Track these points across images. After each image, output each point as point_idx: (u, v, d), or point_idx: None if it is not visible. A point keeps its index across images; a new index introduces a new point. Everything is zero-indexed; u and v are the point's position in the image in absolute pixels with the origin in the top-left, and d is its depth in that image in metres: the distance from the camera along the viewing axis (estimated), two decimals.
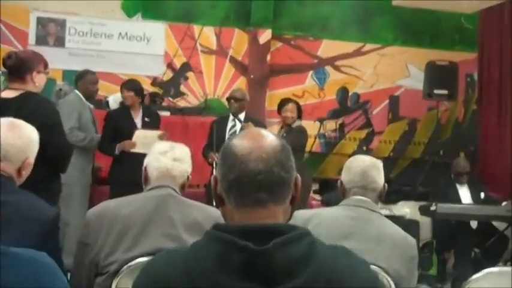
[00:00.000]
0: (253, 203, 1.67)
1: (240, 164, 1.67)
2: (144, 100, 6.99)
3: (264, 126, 6.75)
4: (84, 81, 6.80)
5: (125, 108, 6.88)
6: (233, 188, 1.69)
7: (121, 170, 6.50)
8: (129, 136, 6.60)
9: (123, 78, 8.03)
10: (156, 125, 6.89)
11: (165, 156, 3.09)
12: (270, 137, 1.73)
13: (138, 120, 6.82)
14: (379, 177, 3.22)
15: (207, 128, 7.24)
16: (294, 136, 6.86)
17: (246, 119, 6.87)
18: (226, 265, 1.55)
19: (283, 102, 7.34)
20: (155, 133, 6.52)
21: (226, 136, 6.71)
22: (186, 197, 3.07)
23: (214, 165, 6.40)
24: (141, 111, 6.85)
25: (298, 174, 1.74)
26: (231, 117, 7.00)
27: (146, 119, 6.85)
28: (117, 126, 6.70)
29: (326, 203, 7.74)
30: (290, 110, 7.17)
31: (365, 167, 3.20)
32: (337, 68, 10.46)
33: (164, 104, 9.29)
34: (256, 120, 6.96)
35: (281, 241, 1.57)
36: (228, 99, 7.12)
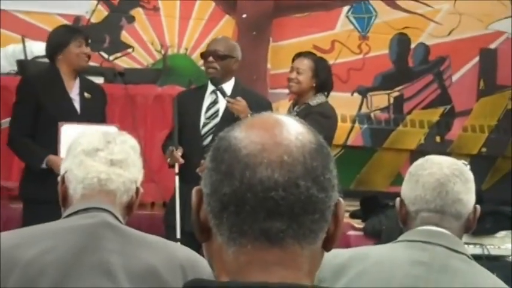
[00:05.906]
0: (260, 236, 1.36)
1: (243, 170, 1.37)
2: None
3: (268, 107, 6.30)
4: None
5: (53, 73, 6.30)
6: (229, 209, 1.38)
7: (39, 179, 5.99)
8: (64, 119, 6.09)
9: (21, 19, 8.33)
10: (101, 106, 6.43)
11: (96, 158, 2.68)
12: (297, 128, 1.43)
13: (74, 96, 6.28)
14: (466, 194, 2.88)
15: (168, 106, 7.07)
16: (311, 124, 5.68)
17: (236, 92, 6.28)
18: None
19: (294, 58, 6.69)
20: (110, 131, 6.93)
21: (201, 121, 6.24)
22: (134, 226, 2.65)
23: (176, 170, 5.98)
24: (77, 81, 6.30)
25: (340, 198, 1.46)
26: (210, 87, 6.35)
27: (86, 94, 6.36)
28: (42, 103, 6.13)
29: (372, 236, 7.15)
30: (298, 69, 6.44)
31: (443, 177, 2.85)
32: (391, 2, 9.57)
33: (93, 63, 8.08)
34: (254, 94, 6.60)
35: None
36: (203, 55, 6.45)
